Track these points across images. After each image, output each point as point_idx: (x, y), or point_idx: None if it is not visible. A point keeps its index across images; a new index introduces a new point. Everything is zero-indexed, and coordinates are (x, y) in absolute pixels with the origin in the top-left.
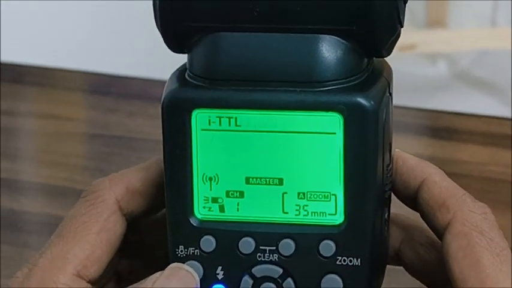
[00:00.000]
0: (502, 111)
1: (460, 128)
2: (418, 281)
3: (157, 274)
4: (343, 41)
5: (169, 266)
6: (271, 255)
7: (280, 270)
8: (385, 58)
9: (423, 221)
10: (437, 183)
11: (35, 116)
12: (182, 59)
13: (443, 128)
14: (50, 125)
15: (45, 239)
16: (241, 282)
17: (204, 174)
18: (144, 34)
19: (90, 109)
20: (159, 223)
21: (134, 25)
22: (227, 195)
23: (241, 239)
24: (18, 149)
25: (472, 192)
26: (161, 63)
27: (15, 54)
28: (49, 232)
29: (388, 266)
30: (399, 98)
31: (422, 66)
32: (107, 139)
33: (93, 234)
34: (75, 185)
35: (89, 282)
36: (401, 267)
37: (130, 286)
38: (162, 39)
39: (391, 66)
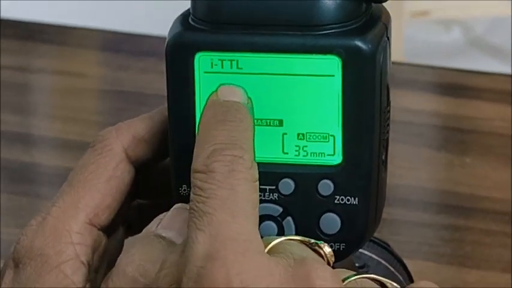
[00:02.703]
0: None
1: (467, 85)
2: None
3: (161, 216)
4: None
5: (173, 207)
6: (271, 195)
7: (280, 209)
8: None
9: None
10: None
11: (48, 72)
12: None
13: (449, 84)
14: (63, 81)
15: (57, 190)
16: None
17: None
18: None
19: (102, 66)
20: (166, 170)
21: None
22: None
23: None
24: (31, 104)
25: (477, 147)
26: (172, 20)
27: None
28: (61, 184)
29: (391, 218)
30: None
31: (437, 32)
32: (119, 95)
33: (102, 183)
34: (87, 139)
35: (100, 229)
36: (406, 219)
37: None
38: None
39: (405, 32)
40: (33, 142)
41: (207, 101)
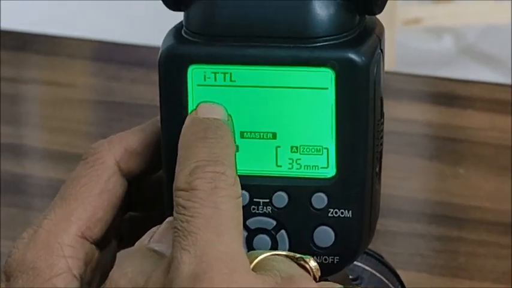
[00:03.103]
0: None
1: (460, 95)
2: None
3: (154, 229)
4: None
5: (166, 220)
6: (265, 208)
7: (274, 222)
8: (377, 16)
9: None
10: None
11: (39, 82)
12: None
13: (443, 94)
14: (53, 91)
15: (48, 201)
16: None
17: None
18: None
19: (92, 76)
20: (159, 182)
21: None
22: None
23: None
24: (22, 114)
25: (470, 157)
26: (163, 30)
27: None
28: (51, 195)
29: (385, 229)
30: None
31: (428, 40)
32: (109, 105)
33: (94, 196)
34: (78, 150)
35: (93, 242)
36: (399, 230)
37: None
38: (163, 7)
39: (397, 40)
40: (24, 153)
41: (186, 119)
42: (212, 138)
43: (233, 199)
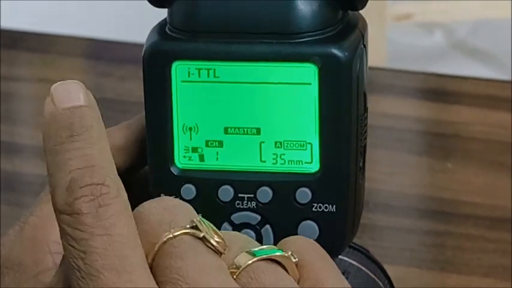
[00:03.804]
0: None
1: (449, 90)
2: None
3: None
4: None
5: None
6: (249, 203)
7: (258, 217)
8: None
9: None
10: None
11: (30, 80)
12: None
13: (432, 89)
14: (44, 89)
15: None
16: (221, 229)
17: (184, 124)
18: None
19: (83, 73)
20: (146, 178)
21: None
22: (206, 145)
23: (220, 187)
24: (14, 112)
25: (459, 152)
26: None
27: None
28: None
29: (372, 223)
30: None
31: (419, 36)
32: (100, 102)
33: None
34: None
35: None
36: (388, 224)
37: None
38: None
39: (387, 35)
40: (15, 151)
41: (44, 113)
42: (79, 135)
43: (122, 214)
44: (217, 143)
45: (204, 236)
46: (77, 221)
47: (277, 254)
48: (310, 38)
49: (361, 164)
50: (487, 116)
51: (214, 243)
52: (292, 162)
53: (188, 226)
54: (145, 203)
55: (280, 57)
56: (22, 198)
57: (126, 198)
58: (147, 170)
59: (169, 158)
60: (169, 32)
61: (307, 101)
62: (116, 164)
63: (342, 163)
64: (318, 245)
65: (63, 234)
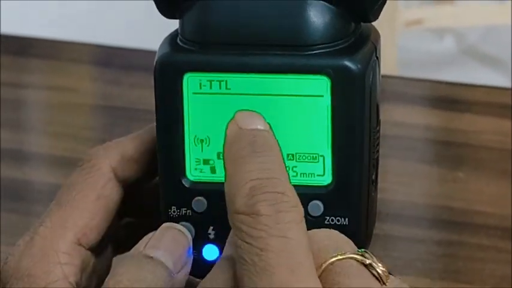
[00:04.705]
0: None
1: (460, 98)
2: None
3: (149, 235)
4: (331, 6)
5: (161, 226)
6: None
7: None
8: (374, 23)
9: None
10: None
11: (39, 87)
12: None
13: (441, 97)
14: (53, 96)
15: (48, 207)
16: None
17: (195, 136)
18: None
19: (92, 81)
20: (156, 189)
21: None
22: (218, 157)
23: None
24: (22, 119)
25: (470, 161)
26: (163, 35)
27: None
28: (51, 201)
29: (383, 233)
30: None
31: (430, 41)
32: (109, 110)
33: (90, 202)
34: (78, 155)
35: (89, 249)
36: (399, 234)
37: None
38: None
39: (398, 42)
40: (24, 158)
41: (226, 131)
42: (261, 152)
43: (299, 224)
44: None
45: (370, 263)
46: (255, 220)
47: None
48: (323, 50)
49: (373, 176)
50: (499, 124)
51: (380, 272)
52: (304, 175)
53: (356, 251)
54: (313, 230)
55: (292, 69)
56: (31, 207)
57: (303, 212)
58: (158, 181)
59: (180, 170)
60: (180, 44)
61: (320, 113)
62: (125, 174)
63: (354, 176)
64: None
65: (239, 232)
